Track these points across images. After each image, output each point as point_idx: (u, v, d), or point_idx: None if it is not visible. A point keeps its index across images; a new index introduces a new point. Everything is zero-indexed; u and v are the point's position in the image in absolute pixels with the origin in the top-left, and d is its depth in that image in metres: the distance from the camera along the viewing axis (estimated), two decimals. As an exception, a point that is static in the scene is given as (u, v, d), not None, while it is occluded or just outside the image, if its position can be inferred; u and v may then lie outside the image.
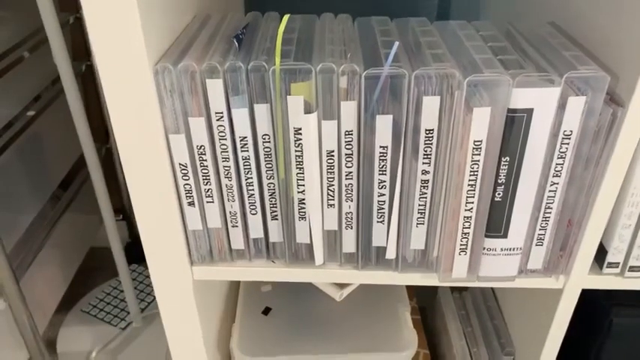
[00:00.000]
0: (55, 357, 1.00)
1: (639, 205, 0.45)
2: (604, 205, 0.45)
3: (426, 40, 0.46)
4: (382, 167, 0.44)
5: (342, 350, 0.62)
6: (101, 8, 0.37)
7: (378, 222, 0.47)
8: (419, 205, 0.46)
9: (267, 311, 0.67)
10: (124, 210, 1.24)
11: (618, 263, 0.49)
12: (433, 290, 0.83)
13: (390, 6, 0.83)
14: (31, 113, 0.87)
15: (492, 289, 0.76)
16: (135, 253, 1.19)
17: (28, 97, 0.90)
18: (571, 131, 0.41)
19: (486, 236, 0.47)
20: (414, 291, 0.82)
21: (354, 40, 0.46)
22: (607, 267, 0.49)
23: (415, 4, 0.84)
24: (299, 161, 0.44)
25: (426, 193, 0.45)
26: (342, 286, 0.68)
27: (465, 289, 0.79)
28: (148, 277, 1.18)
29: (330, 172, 0.45)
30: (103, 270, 1.18)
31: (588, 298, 0.53)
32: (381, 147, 0.43)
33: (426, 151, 0.43)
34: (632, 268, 0.49)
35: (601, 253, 0.49)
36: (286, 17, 0.43)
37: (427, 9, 0.84)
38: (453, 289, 0.79)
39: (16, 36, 0.85)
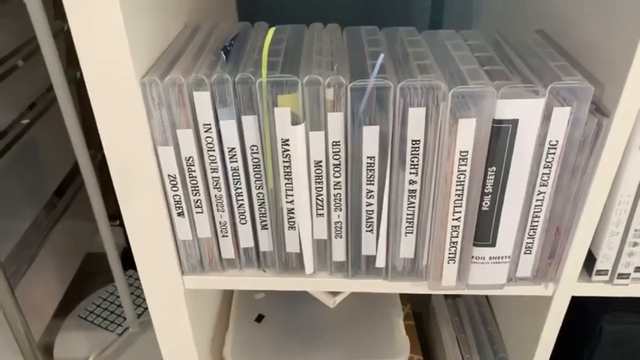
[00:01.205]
0: (51, 363, 1.00)
1: (627, 212, 0.46)
2: (592, 214, 0.46)
3: (414, 50, 0.46)
4: (370, 177, 0.44)
5: (334, 357, 0.62)
6: (86, 22, 0.38)
7: (367, 231, 0.48)
8: (407, 214, 0.46)
9: (260, 319, 0.67)
10: (120, 216, 1.24)
11: (607, 270, 0.49)
12: (427, 296, 0.83)
13: (384, 16, 0.84)
14: (25, 121, 0.87)
15: (487, 296, 0.76)
16: (132, 258, 1.19)
17: (23, 104, 0.91)
18: (557, 141, 0.41)
19: (475, 245, 0.47)
20: (408, 297, 0.82)
21: (342, 51, 0.46)
22: (596, 274, 0.49)
23: (408, 13, 0.84)
24: (287, 172, 0.45)
25: (413, 203, 0.45)
26: (335, 293, 0.69)
27: (459, 295, 0.79)
28: (145, 282, 1.18)
29: (319, 182, 0.45)
30: (101, 275, 1.18)
31: (579, 306, 0.53)
32: (368, 157, 0.43)
33: (413, 162, 0.43)
34: (621, 276, 0.49)
35: (590, 261, 0.49)
36: (272, 30, 0.44)
37: (420, 17, 0.84)
38: (446, 295, 0.79)
39: (10, 44, 0.85)
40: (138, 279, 1.19)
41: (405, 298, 0.80)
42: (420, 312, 0.85)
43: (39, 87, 0.95)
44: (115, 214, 1.17)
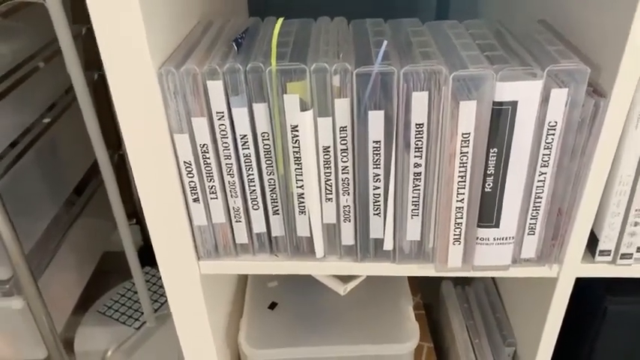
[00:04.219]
0: (72, 356, 1.03)
1: (627, 193, 0.47)
2: (592, 194, 0.47)
3: (417, 39, 0.48)
4: (376, 161, 0.46)
5: (345, 342, 0.64)
6: (108, 18, 0.40)
7: (374, 214, 0.49)
8: (413, 197, 0.48)
9: (273, 306, 0.70)
10: (136, 215, 1.27)
11: (610, 251, 0.50)
12: (437, 286, 0.84)
13: (391, 9, 0.86)
14: (46, 120, 0.91)
15: (495, 283, 0.77)
16: (148, 256, 1.22)
17: (44, 105, 0.94)
18: (556, 122, 0.43)
19: (479, 226, 0.48)
20: (418, 287, 0.83)
21: (348, 41, 0.48)
22: (599, 255, 0.51)
23: (414, 9, 0.86)
24: (297, 157, 0.47)
25: (419, 186, 0.47)
26: (345, 280, 0.70)
27: (468, 284, 0.81)
28: (161, 279, 1.21)
29: (327, 167, 0.47)
30: (117, 274, 1.21)
31: (583, 288, 0.54)
32: (374, 142, 0.45)
33: (417, 145, 0.45)
34: (624, 256, 0.50)
35: (593, 242, 0.50)
36: (280, 20, 0.46)
37: (426, 11, 0.86)
38: (455, 284, 0.80)
39: (31, 47, 0.89)
40: (154, 275, 1.22)
41: (415, 288, 0.81)
42: (429, 303, 0.87)
43: (58, 88, 0.98)
44: (131, 214, 1.20)
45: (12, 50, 0.85)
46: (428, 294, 0.85)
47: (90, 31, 1.06)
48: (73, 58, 0.78)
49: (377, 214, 0.49)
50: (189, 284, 0.55)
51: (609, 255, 0.51)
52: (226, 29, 0.53)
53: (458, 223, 0.48)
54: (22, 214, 0.84)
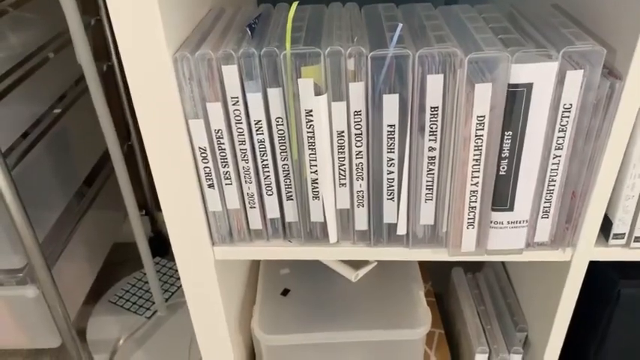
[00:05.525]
0: (85, 345, 1.04)
1: (641, 175, 0.47)
2: (606, 177, 0.47)
3: (430, 23, 0.48)
4: (390, 145, 0.46)
5: (357, 327, 0.65)
6: (124, 4, 0.40)
7: (388, 199, 0.50)
8: (427, 181, 0.48)
9: (285, 292, 0.70)
10: (146, 205, 1.28)
11: (624, 234, 0.50)
12: (447, 276, 0.84)
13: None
14: (57, 111, 0.91)
15: (505, 269, 0.78)
16: (157, 246, 1.23)
17: (54, 96, 0.94)
18: (571, 104, 0.43)
19: (493, 210, 0.48)
20: (428, 276, 0.83)
21: (361, 26, 0.48)
22: (613, 238, 0.51)
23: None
24: (311, 142, 0.47)
25: (433, 170, 0.47)
26: (357, 267, 0.71)
27: (479, 270, 0.81)
28: (171, 268, 1.22)
29: (341, 152, 0.48)
30: (127, 264, 1.22)
31: (596, 271, 0.54)
32: (388, 126, 0.45)
33: (431, 128, 0.45)
34: (638, 239, 0.50)
35: (607, 225, 0.50)
36: (295, 4, 0.46)
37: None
38: (466, 270, 0.81)
39: (41, 38, 0.89)
40: (164, 266, 1.23)
41: (425, 277, 0.81)
42: (439, 293, 0.87)
43: (68, 79, 0.99)
44: (140, 205, 1.21)
45: (22, 41, 0.86)
46: (438, 283, 0.85)
47: (98, 22, 1.07)
48: (84, 49, 0.78)
49: (390, 198, 0.50)
50: (204, 270, 0.55)
51: (623, 238, 0.51)
52: (238, 16, 0.53)
53: (472, 207, 0.48)
54: (34, 205, 0.84)
